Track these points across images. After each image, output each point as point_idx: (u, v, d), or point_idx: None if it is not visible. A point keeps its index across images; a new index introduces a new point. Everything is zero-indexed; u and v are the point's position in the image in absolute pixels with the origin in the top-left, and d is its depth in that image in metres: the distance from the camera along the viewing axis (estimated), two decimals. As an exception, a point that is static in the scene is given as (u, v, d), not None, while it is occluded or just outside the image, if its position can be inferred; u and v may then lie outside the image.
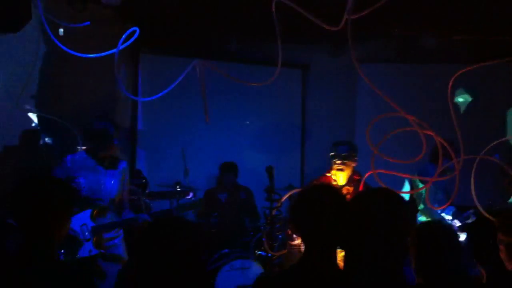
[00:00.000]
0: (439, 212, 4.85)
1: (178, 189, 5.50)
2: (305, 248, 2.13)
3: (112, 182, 4.15)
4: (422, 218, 4.89)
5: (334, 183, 4.55)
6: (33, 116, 5.25)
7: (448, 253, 2.34)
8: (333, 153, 4.60)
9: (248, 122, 7.72)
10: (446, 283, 2.30)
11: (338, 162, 4.54)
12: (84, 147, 4.50)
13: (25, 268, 2.04)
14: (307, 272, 2.06)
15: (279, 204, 4.16)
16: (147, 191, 5.83)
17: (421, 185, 4.65)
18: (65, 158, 4.14)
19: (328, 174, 4.68)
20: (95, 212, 3.99)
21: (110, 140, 4.14)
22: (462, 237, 4.80)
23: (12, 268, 2.05)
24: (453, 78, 3.58)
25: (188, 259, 1.98)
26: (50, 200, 2.12)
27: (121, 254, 4.23)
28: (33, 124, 5.31)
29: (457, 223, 4.83)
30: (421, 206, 4.95)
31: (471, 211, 4.62)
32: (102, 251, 3.99)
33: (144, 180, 5.90)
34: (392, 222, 2.04)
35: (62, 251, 3.78)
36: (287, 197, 4.17)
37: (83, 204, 3.96)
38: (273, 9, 3.33)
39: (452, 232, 2.46)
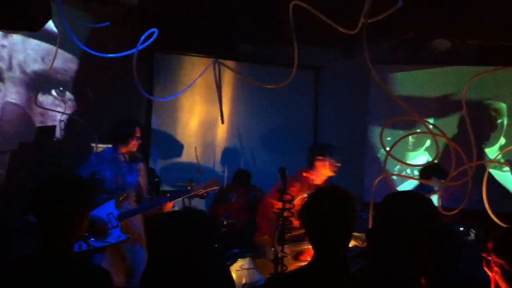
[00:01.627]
0: None
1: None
2: (316, 250, 2.15)
3: (132, 175, 4.44)
4: None
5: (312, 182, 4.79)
6: (49, 113, 5.30)
7: (448, 255, 2.35)
8: (332, 155, 4.86)
9: (261, 124, 7.74)
10: (448, 285, 2.31)
11: (339, 164, 4.83)
12: (103, 145, 4.67)
13: (42, 265, 2.06)
14: (318, 273, 2.08)
15: (291, 206, 4.17)
16: (160, 189, 5.88)
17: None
18: (89, 155, 4.41)
19: (305, 174, 4.86)
20: (119, 200, 4.21)
21: (133, 139, 4.44)
22: None
23: (29, 265, 2.07)
24: (468, 82, 3.57)
25: (188, 259, 2.00)
26: (70, 197, 2.13)
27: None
28: (49, 121, 5.36)
29: None
30: None
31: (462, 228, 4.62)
32: (130, 235, 4.25)
33: (157, 179, 5.95)
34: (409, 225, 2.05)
35: (92, 238, 4.05)
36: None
37: (108, 194, 4.22)
38: (291, 12, 3.34)
39: (453, 234, 2.46)
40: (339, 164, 4.82)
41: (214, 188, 4.78)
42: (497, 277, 2.39)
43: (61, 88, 5.52)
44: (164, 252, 2.08)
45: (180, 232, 2.10)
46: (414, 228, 2.03)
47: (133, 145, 4.45)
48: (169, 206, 4.37)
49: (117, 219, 4.16)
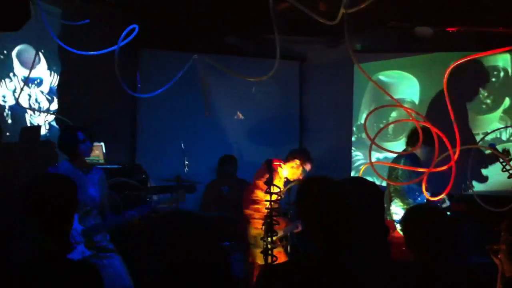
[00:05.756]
0: (412, 199, 4.84)
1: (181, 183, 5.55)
2: (317, 242, 2.14)
3: (93, 188, 4.19)
4: (397, 204, 4.90)
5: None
6: (33, 114, 5.28)
7: (435, 238, 2.40)
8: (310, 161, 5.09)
9: (245, 117, 7.75)
10: (438, 266, 2.36)
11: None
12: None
13: (40, 266, 2.09)
14: (310, 265, 2.06)
15: (278, 198, 4.20)
16: (147, 185, 5.85)
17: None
18: (46, 171, 4.14)
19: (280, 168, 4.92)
20: (81, 215, 4.02)
21: (75, 149, 4.12)
22: None
23: (27, 266, 2.09)
24: (450, 68, 3.60)
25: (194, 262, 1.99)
26: (59, 196, 2.17)
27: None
28: (34, 122, 5.34)
29: None
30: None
31: (445, 196, 4.69)
32: (94, 252, 4.05)
33: (144, 175, 5.91)
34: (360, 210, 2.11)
35: None
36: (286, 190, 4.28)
37: None
38: (271, 4, 3.35)
39: (440, 217, 2.51)
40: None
41: (180, 200, 4.72)
42: (503, 256, 2.44)
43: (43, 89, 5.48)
44: (169, 257, 2.05)
45: (183, 235, 2.07)
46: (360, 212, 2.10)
47: (84, 152, 4.14)
48: (137, 222, 4.15)
49: (80, 235, 3.96)
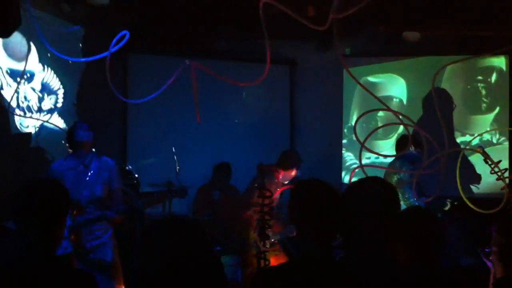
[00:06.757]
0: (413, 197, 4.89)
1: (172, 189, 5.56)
2: (306, 241, 2.14)
3: (94, 179, 4.20)
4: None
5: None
6: (24, 120, 5.25)
7: (425, 240, 2.42)
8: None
9: (236, 121, 7.78)
10: (427, 269, 2.39)
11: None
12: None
13: (26, 270, 2.07)
14: (307, 266, 2.07)
15: (270, 202, 4.21)
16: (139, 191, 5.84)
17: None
18: (52, 165, 4.24)
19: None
20: (74, 212, 4.02)
21: (73, 137, 4.23)
22: None
23: (13, 270, 2.08)
24: (437, 72, 3.65)
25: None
26: (49, 201, 2.16)
27: (108, 257, 4.26)
28: (24, 128, 5.30)
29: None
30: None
31: (448, 200, 4.75)
32: (79, 250, 4.05)
33: (135, 181, 5.89)
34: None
35: None
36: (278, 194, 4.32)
37: None
38: (261, 10, 3.37)
39: (430, 219, 2.54)
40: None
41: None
42: (494, 258, 2.47)
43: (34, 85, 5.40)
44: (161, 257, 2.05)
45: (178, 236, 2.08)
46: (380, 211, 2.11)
47: (81, 137, 4.22)
48: (118, 220, 4.18)
49: (67, 230, 3.92)
